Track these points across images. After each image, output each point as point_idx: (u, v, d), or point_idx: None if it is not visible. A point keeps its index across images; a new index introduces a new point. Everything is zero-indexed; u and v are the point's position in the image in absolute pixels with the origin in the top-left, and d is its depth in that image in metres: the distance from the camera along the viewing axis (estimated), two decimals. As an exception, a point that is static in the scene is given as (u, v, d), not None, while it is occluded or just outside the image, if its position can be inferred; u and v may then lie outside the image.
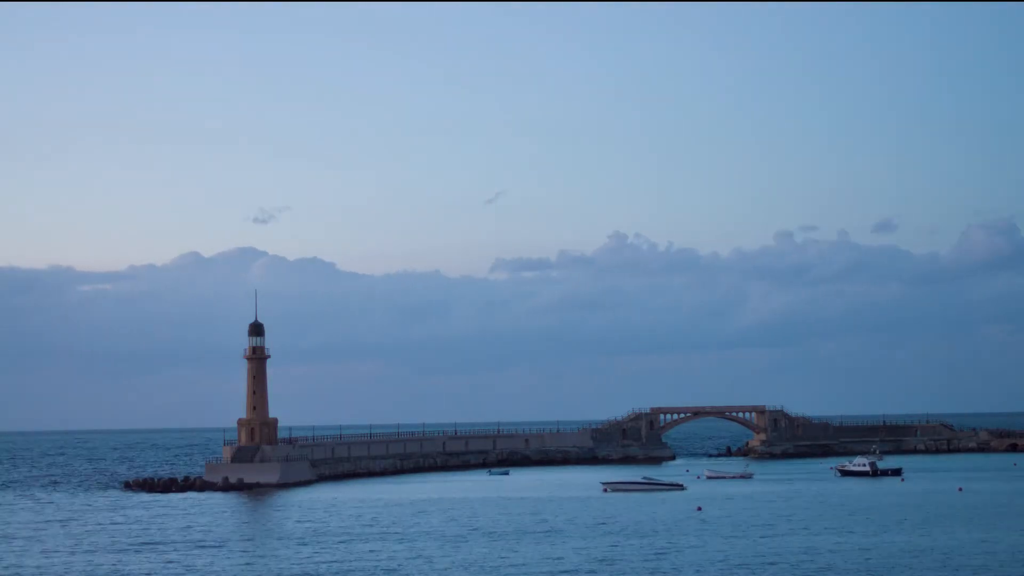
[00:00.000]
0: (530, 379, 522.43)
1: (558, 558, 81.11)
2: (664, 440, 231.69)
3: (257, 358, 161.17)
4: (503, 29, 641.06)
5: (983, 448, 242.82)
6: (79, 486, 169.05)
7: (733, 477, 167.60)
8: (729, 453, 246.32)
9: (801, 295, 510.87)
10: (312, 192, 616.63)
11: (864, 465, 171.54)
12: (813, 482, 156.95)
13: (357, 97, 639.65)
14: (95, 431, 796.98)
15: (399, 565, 78.91)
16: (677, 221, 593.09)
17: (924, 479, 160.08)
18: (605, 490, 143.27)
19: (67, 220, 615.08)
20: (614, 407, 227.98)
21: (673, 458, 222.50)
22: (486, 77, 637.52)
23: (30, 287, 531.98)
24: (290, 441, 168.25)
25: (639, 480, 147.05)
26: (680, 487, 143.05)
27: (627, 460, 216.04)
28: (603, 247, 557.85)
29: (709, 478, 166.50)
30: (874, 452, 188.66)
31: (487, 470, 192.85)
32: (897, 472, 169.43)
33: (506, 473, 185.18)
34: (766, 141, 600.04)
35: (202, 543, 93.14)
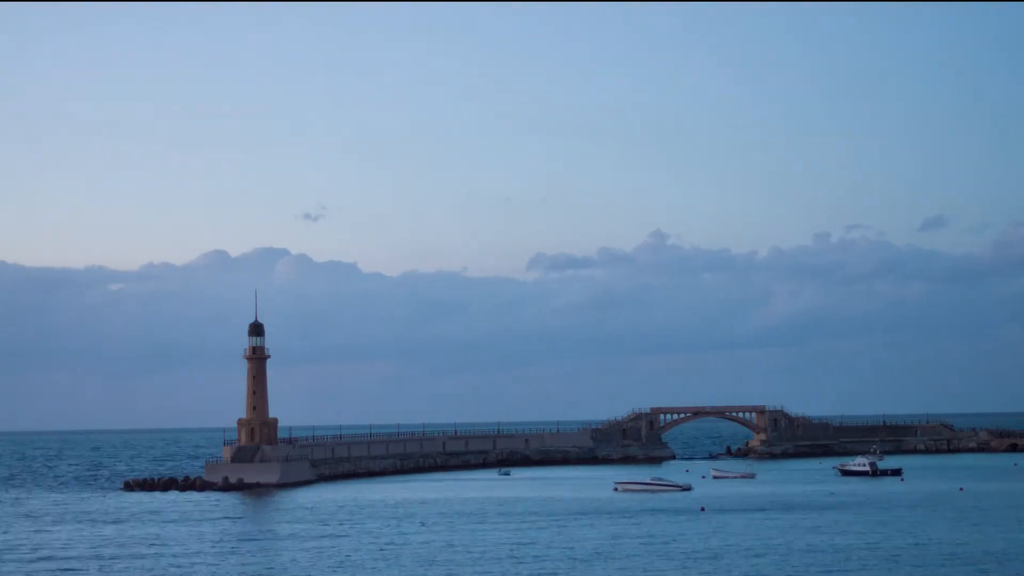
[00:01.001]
0: (543, 379, 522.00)
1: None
2: (664, 440, 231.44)
3: (257, 358, 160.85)
4: (545, 28, 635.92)
5: (983, 448, 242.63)
6: (82, 486, 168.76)
7: (736, 477, 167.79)
8: (729, 453, 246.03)
9: (827, 295, 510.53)
10: (345, 192, 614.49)
11: (864, 465, 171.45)
12: (815, 483, 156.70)
13: (398, 95, 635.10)
14: (129, 430, 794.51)
15: None
16: (719, 221, 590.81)
17: (925, 479, 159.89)
18: (616, 489, 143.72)
19: (96, 220, 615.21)
20: (625, 406, 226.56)
21: (673, 458, 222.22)
22: (529, 75, 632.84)
23: (62, 285, 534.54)
24: (290, 441, 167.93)
25: (649, 480, 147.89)
26: (688, 488, 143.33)
27: (627, 460, 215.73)
28: (643, 245, 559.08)
29: (716, 478, 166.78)
30: (875, 452, 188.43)
31: (496, 470, 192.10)
32: (896, 472, 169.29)
33: (507, 474, 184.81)
34: (814, 141, 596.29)
35: (201, 543, 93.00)
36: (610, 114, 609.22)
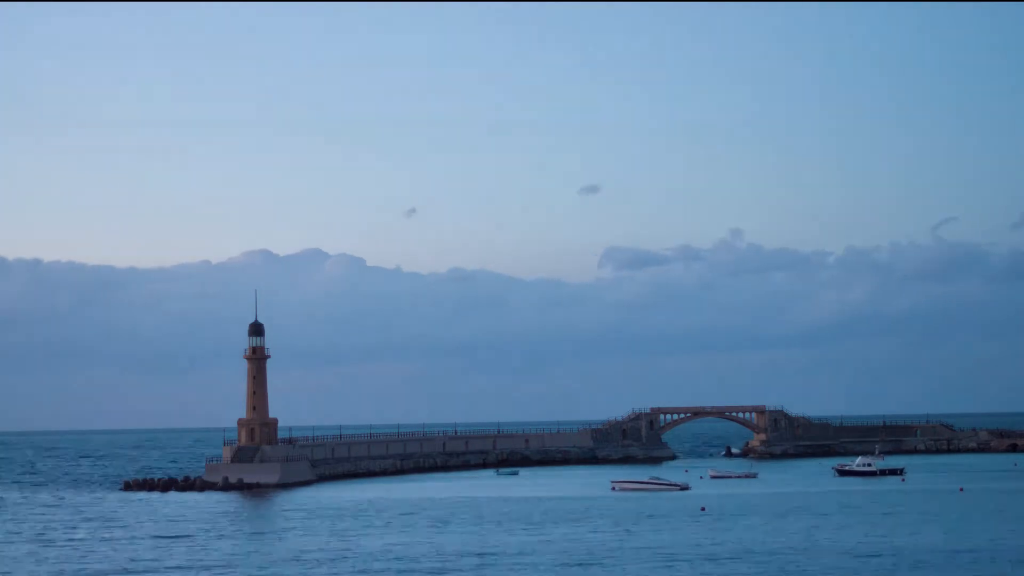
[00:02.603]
0: (565, 380, 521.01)
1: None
2: (664, 440, 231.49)
3: (257, 358, 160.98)
4: (631, 23, 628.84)
5: (983, 448, 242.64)
6: (84, 485, 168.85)
7: (737, 477, 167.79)
8: (729, 453, 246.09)
9: (872, 294, 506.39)
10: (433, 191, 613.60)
11: (869, 465, 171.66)
12: (816, 482, 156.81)
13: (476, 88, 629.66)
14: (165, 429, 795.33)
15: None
16: (793, 220, 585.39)
17: (925, 479, 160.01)
18: (614, 488, 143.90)
19: (130, 220, 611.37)
20: (647, 405, 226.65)
21: (673, 458, 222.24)
22: (626, 74, 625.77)
23: (124, 283, 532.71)
24: (290, 441, 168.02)
25: (647, 480, 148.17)
26: (686, 487, 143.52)
27: (627, 460, 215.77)
28: (719, 243, 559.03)
29: (713, 478, 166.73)
30: (876, 453, 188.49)
31: (495, 470, 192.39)
32: (896, 472, 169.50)
33: (515, 473, 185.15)
34: (900, 140, 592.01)
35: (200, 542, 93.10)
36: (696, 112, 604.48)
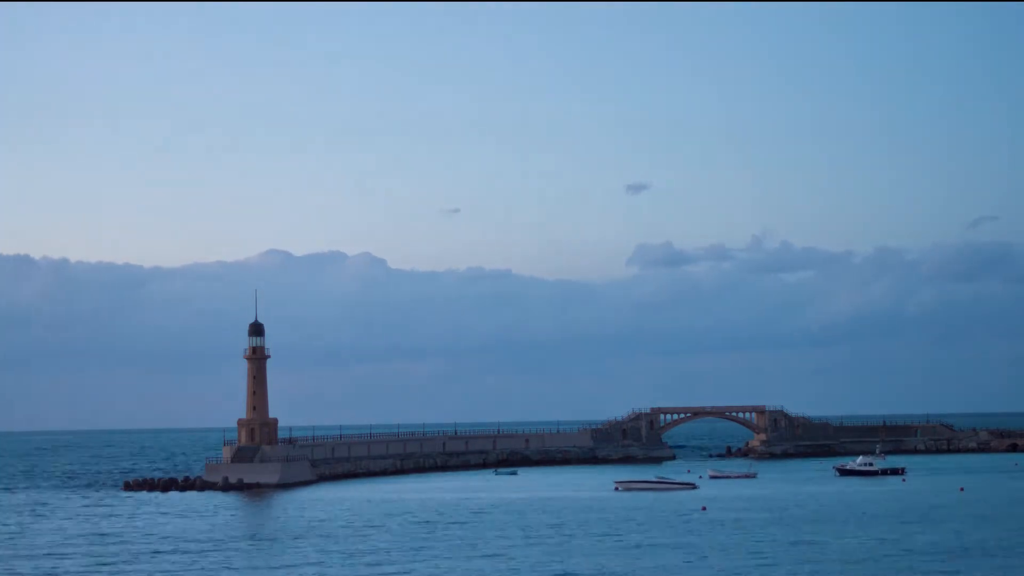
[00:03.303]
0: (574, 380, 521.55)
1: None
2: (664, 440, 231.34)
3: (257, 358, 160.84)
4: (679, 27, 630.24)
5: (983, 448, 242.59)
6: (86, 485, 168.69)
7: (737, 477, 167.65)
8: (729, 453, 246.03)
9: (892, 294, 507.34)
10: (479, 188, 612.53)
11: (870, 464, 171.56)
12: (819, 483, 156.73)
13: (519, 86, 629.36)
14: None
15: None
16: (829, 219, 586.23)
17: (926, 479, 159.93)
18: (617, 488, 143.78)
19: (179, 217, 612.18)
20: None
21: (673, 458, 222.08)
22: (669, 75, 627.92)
23: (148, 281, 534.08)
24: (290, 441, 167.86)
25: (652, 479, 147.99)
26: (692, 486, 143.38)
27: (627, 460, 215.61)
28: (752, 242, 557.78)
29: (712, 478, 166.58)
30: (877, 452, 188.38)
31: (493, 470, 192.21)
32: (897, 472, 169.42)
33: (514, 473, 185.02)
34: (941, 138, 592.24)
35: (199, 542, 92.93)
36: (740, 111, 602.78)
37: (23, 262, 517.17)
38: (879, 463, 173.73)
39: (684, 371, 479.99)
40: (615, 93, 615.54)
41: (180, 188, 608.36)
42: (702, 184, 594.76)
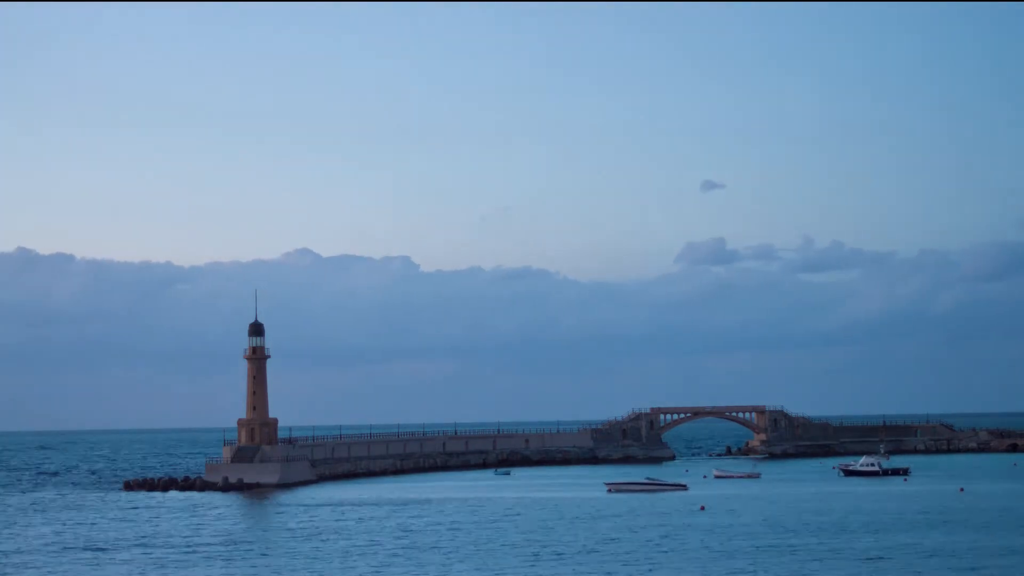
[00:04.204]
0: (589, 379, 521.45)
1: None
2: (664, 440, 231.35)
3: (257, 358, 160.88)
4: (726, 24, 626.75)
5: (983, 448, 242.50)
6: (86, 485, 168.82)
7: (741, 477, 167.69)
8: (729, 453, 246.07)
9: (920, 294, 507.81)
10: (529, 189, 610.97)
11: (873, 464, 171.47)
12: (821, 483, 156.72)
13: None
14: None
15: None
16: (884, 219, 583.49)
17: (928, 479, 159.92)
18: (609, 490, 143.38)
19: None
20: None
21: (673, 458, 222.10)
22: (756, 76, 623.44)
23: (183, 280, 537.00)
24: (290, 441, 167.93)
25: (643, 481, 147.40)
26: (683, 487, 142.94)
27: (627, 460, 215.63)
28: (803, 242, 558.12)
29: (717, 477, 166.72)
30: (881, 452, 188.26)
31: (493, 470, 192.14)
32: (899, 472, 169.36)
33: (507, 474, 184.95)
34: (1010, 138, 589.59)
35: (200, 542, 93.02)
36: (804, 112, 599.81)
37: (64, 260, 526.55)
38: (883, 463, 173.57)
39: (690, 371, 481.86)
40: (668, 95, 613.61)
41: (216, 189, 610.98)
42: (761, 183, 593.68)
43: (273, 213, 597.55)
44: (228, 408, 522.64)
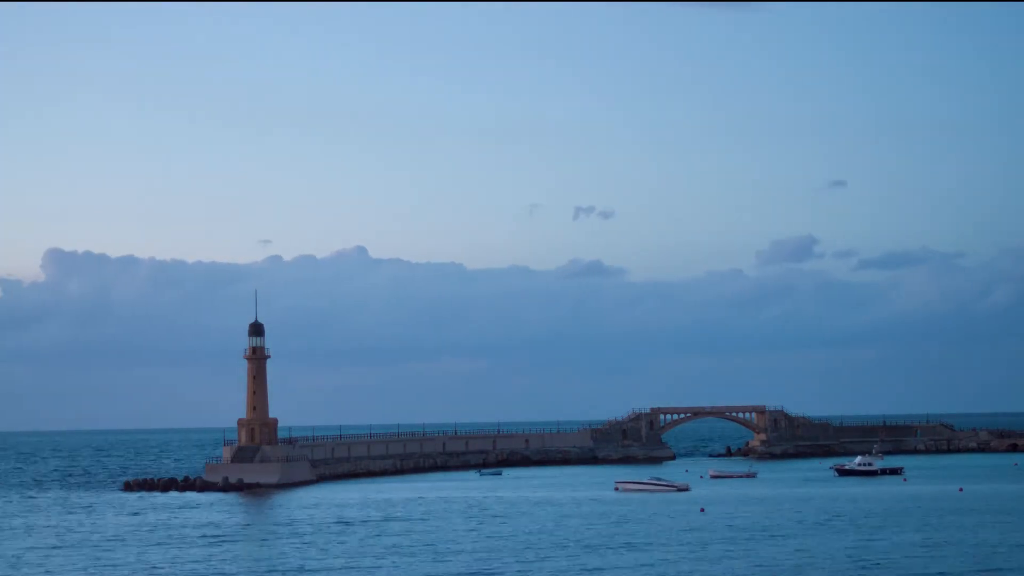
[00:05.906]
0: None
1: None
2: (664, 440, 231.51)
3: (257, 358, 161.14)
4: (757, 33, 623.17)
5: (983, 448, 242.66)
6: (86, 486, 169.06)
7: (738, 477, 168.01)
8: (729, 453, 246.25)
9: (956, 296, 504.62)
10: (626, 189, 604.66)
11: (869, 464, 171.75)
12: (821, 483, 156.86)
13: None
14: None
15: None
16: (961, 219, 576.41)
17: (926, 480, 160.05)
18: (617, 488, 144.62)
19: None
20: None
21: (673, 458, 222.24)
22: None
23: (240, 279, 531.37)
24: (290, 441, 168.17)
25: (648, 480, 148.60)
26: (686, 488, 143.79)
27: (627, 460, 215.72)
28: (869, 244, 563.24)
29: (713, 477, 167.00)
30: (875, 452, 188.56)
31: (478, 471, 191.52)
32: (896, 471, 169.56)
33: (498, 474, 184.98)
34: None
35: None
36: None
37: (130, 263, 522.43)
38: (878, 463, 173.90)
39: (694, 372, 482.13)
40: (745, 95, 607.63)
41: (255, 187, 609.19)
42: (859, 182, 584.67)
43: (331, 210, 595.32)
44: (229, 409, 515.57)
